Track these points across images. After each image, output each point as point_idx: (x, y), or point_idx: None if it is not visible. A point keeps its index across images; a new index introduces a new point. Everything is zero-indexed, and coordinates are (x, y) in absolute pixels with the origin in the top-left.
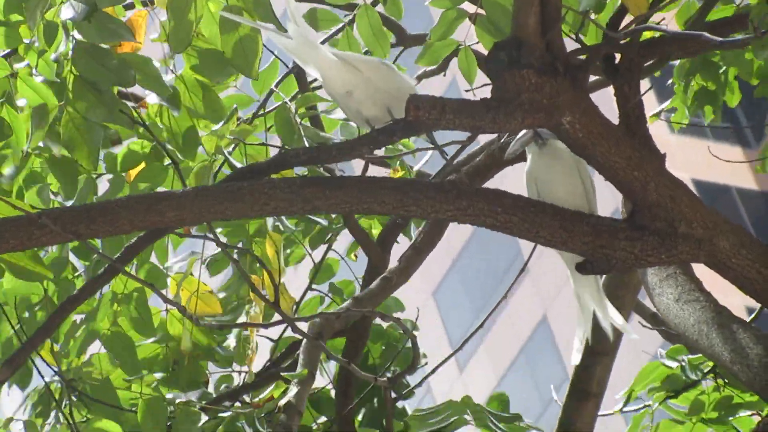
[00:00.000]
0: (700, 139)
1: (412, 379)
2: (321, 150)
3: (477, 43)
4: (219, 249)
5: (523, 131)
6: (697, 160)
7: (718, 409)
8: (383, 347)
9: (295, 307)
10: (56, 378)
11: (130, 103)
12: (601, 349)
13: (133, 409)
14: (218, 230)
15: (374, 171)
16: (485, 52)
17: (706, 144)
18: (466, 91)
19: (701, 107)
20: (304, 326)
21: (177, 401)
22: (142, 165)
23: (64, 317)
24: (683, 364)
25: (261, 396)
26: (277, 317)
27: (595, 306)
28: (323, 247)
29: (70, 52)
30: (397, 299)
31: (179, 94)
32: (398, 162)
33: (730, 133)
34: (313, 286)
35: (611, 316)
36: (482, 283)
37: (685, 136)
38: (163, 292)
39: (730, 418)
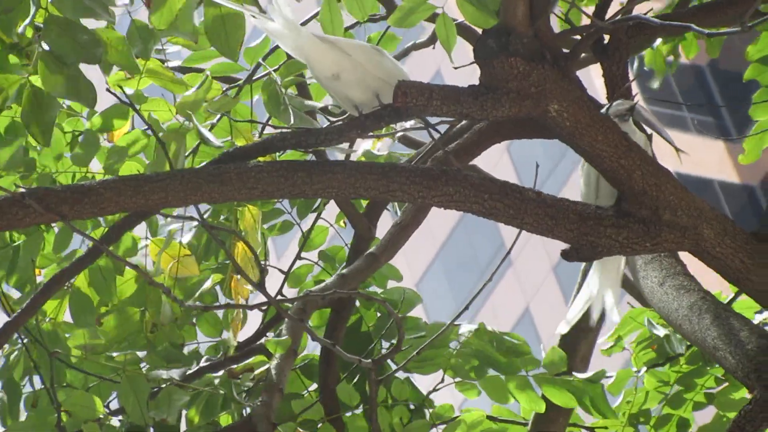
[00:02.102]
0: (683, 132)
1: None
2: (308, 134)
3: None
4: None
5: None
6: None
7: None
8: (378, 314)
9: (283, 276)
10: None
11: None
12: (585, 325)
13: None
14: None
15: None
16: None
17: (687, 137)
18: (456, 67)
19: (655, 64)
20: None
21: (158, 378)
22: (126, 127)
23: (49, 296)
24: (669, 334)
25: (239, 364)
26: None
27: (611, 286)
28: (312, 216)
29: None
30: (391, 266)
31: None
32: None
33: (711, 126)
34: (303, 255)
35: (613, 300)
36: (466, 274)
37: (668, 130)
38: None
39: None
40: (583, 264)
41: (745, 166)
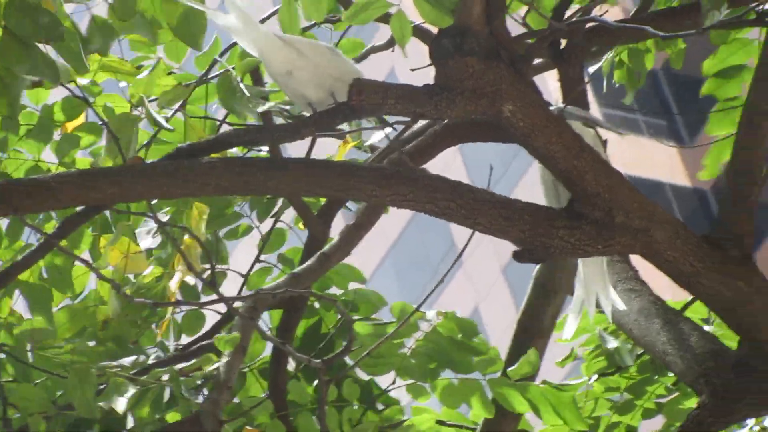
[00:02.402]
0: (635, 135)
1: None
2: (263, 131)
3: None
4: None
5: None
6: (631, 155)
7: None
8: (338, 315)
9: (243, 280)
10: None
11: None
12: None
13: (60, 374)
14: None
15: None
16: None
17: (640, 140)
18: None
19: (624, 79)
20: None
21: (108, 369)
22: (80, 120)
23: None
24: (621, 347)
25: (188, 363)
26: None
27: (598, 287)
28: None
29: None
30: (353, 268)
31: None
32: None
33: (664, 129)
34: (262, 257)
35: (612, 298)
36: (416, 273)
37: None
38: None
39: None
40: (536, 266)
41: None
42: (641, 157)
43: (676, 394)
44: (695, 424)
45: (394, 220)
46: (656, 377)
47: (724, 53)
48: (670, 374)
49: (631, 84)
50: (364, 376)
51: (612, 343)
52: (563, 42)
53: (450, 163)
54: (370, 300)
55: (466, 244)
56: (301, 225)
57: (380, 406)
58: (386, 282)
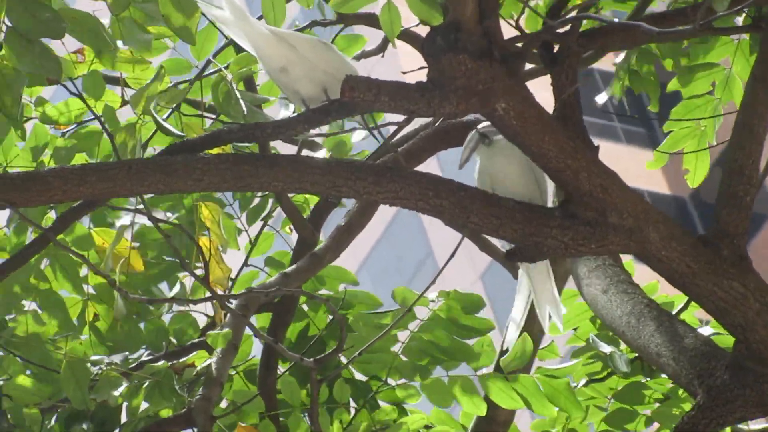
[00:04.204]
0: (613, 143)
1: None
2: (255, 128)
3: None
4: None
5: (469, 136)
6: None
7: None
8: (329, 318)
9: (231, 283)
10: None
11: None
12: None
13: (56, 369)
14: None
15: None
16: (416, 26)
17: (618, 147)
18: (404, 73)
19: (641, 89)
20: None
21: (100, 364)
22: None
23: None
24: (615, 354)
25: (182, 359)
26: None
27: (548, 299)
28: (259, 222)
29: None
30: (344, 269)
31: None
32: (323, 141)
33: (643, 137)
34: (249, 261)
35: (561, 309)
36: (393, 280)
37: (599, 139)
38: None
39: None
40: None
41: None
42: (619, 163)
43: (668, 399)
44: (690, 426)
45: (370, 229)
46: (646, 380)
47: (698, 50)
48: (662, 377)
49: (648, 89)
50: (361, 377)
51: (605, 348)
52: (556, 46)
53: (426, 166)
54: (363, 301)
55: (451, 256)
56: (288, 229)
57: (381, 404)
58: (363, 287)
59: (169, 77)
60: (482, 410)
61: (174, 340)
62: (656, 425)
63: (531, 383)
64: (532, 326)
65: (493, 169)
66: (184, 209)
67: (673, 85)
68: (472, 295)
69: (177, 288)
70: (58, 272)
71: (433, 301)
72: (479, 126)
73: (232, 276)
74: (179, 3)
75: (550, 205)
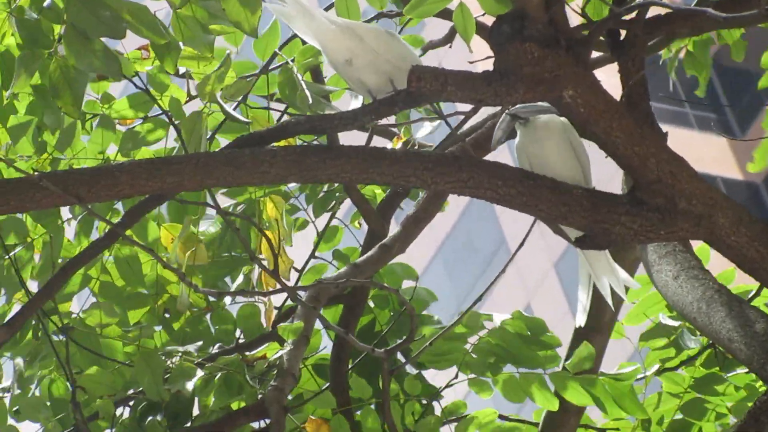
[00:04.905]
0: (686, 129)
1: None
2: (322, 119)
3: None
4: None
5: (502, 117)
6: (681, 149)
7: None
8: (391, 313)
9: (297, 274)
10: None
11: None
12: (596, 324)
13: (129, 362)
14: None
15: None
16: (482, 16)
17: (690, 133)
18: (471, 63)
19: (693, 72)
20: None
21: (174, 354)
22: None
23: (66, 280)
24: (683, 329)
25: (253, 351)
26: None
27: (606, 273)
28: (327, 215)
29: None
30: (407, 266)
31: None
32: (402, 129)
33: (715, 123)
34: (317, 254)
35: (624, 278)
36: (466, 269)
37: (670, 126)
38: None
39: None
40: None
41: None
42: (691, 150)
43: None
44: (762, 411)
45: (444, 215)
46: (725, 375)
47: None
48: (738, 371)
49: (699, 73)
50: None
51: (673, 323)
52: (622, 33)
53: (497, 153)
54: (420, 297)
55: (522, 243)
56: (356, 223)
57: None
58: (437, 277)
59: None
60: (555, 405)
61: (240, 334)
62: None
63: (599, 385)
64: (602, 317)
65: (531, 148)
66: (248, 202)
67: (765, 82)
68: (536, 319)
69: (240, 280)
70: (124, 266)
71: (494, 323)
72: (511, 108)
73: (298, 268)
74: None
75: (593, 185)
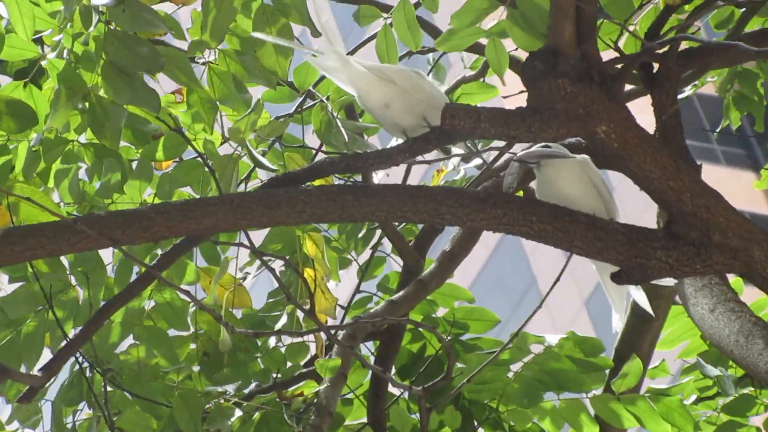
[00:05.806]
0: (713, 164)
1: None
2: (357, 158)
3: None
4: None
5: (510, 165)
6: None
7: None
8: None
9: (343, 310)
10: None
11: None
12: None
13: (167, 403)
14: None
15: (418, 168)
16: (515, 50)
17: (718, 169)
18: (504, 98)
19: (743, 112)
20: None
21: (212, 394)
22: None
23: (102, 322)
24: (723, 377)
25: (291, 389)
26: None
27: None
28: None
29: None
30: (459, 287)
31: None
32: (443, 163)
33: (743, 158)
34: (361, 287)
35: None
36: (497, 308)
37: (699, 161)
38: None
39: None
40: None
41: None
42: (720, 185)
43: None
44: None
45: (472, 258)
46: (755, 391)
47: None
48: None
49: (753, 109)
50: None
51: (712, 372)
52: (655, 67)
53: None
54: (482, 317)
55: (555, 282)
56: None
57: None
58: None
59: (268, 111)
60: (596, 429)
61: (278, 374)
62: None
63: (643, 402)
64: (642, 347)
65: (552, 192)
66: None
67: None
68: (593, 339)
69: (284, 320)
70: (163, 309)
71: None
72: (518, 154)
73: (344, 303)
74: (278, 48)
75: (618, 217)
